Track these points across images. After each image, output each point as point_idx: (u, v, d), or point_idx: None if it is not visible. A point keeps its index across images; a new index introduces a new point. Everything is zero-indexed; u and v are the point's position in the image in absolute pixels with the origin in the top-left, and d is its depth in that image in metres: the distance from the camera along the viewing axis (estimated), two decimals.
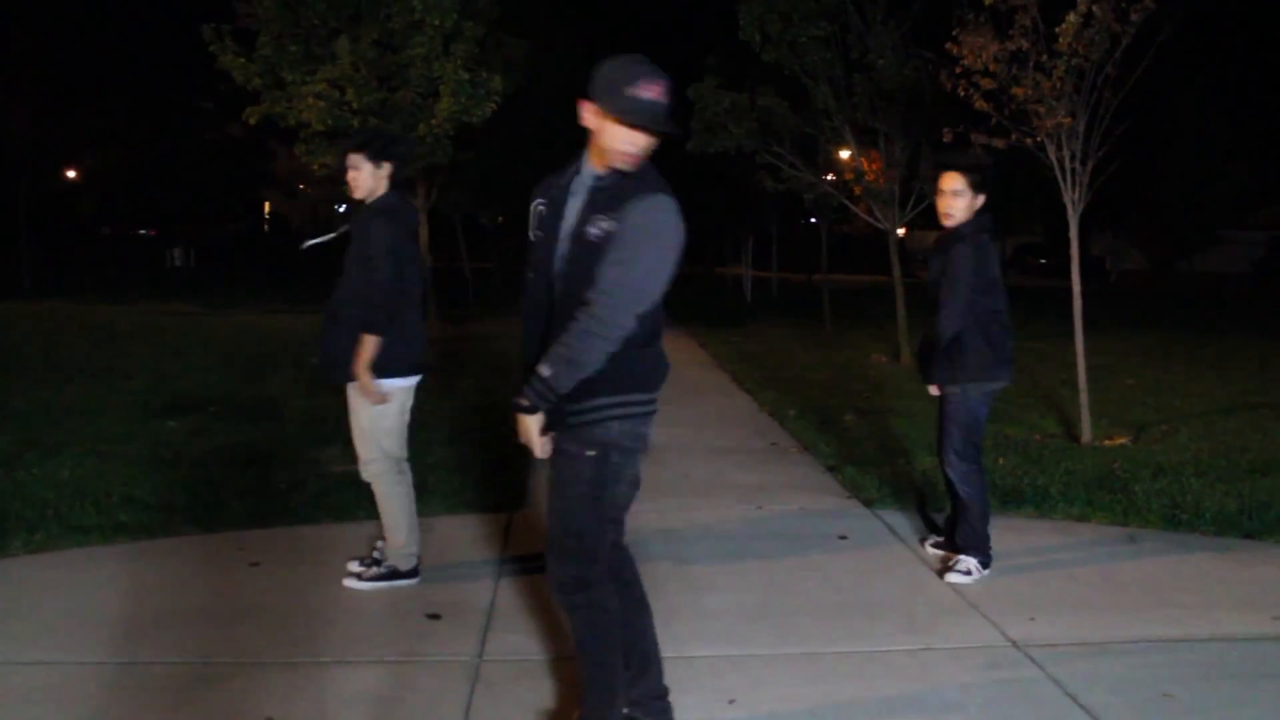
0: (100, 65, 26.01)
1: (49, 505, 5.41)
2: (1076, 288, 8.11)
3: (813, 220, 20.06)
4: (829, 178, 13.97)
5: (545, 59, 18.08)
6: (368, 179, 4.37)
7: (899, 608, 4.37)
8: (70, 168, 34.64)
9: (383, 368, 4.27)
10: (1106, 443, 7.92)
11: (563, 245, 2.86)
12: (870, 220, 13.18)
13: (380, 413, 4.36)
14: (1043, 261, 52.63)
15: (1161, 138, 34.47)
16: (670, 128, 2.77)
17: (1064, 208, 7.98)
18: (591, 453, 2.85)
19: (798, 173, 13.45)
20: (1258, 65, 35.47)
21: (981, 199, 4.68)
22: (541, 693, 3.48)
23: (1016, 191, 29.68)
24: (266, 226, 57.49)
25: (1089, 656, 3.87)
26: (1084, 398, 8.03)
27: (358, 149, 4.39)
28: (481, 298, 23.36)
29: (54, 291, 20.88)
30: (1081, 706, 3.46)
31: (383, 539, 4.57)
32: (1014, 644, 3.98)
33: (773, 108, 13.01)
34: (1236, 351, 14.80)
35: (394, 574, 4.49)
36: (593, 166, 2.86)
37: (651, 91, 2.72)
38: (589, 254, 2.78)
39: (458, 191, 19.61)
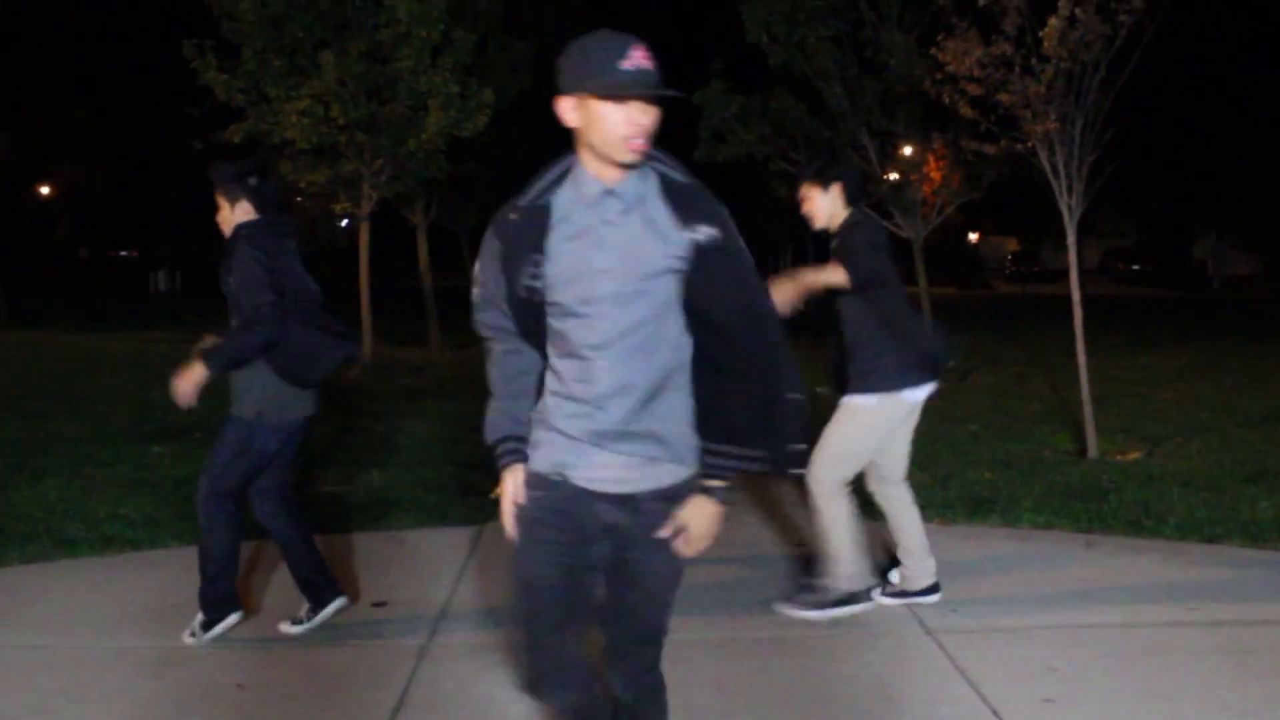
0: (77, 74, 27.58)
1: (39, 522, 6.56)
2: (1076, 295, 9.01)
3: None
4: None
5: (551, 62, 19.16)
6: (823, 204, 4.95)
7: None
8: (44, 184, 36.21)
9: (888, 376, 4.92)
10: (1119, 457, 8.81)
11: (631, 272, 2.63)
12: (892, 228, 14.17)
13: (869, 427, 5.03)
14: (1135, 268, 53.26)
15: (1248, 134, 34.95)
16: (669, 89, 2.59)
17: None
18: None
19: None
20: None
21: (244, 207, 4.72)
22: (478, 666, 4.50)
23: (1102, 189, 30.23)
24: None
25: (993, 640, 4.84)
26: (1088, 411, 8.92)
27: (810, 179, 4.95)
28: None
29: (29, 320, 22.29)
30: (963, 675, 4.43)
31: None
32: (926, 630, 4.95)
33: (787, 110, 14.02)
34: None
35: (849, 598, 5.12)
36: (594, 176, 2.67)
37: (635, 60, 2.56)
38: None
39: (462, 205, 20.67)
